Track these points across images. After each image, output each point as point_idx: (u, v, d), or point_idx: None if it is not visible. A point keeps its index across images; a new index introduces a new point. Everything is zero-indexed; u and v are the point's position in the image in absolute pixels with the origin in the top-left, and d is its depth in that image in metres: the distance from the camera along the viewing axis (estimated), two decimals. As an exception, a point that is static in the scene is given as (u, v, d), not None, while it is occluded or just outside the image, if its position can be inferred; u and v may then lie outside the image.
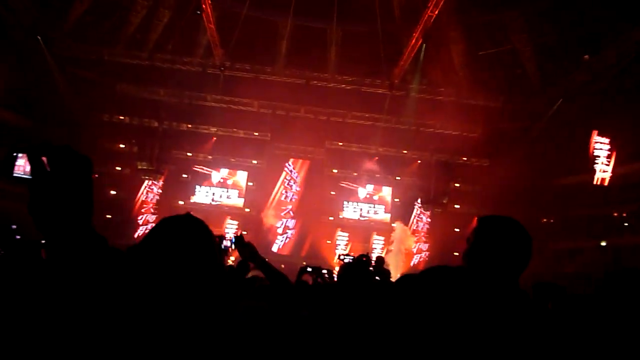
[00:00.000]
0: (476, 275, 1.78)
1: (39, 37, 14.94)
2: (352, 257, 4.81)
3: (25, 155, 0.94)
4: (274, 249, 19.61)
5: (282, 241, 19.83)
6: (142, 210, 18.76)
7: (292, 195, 20.35)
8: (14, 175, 0.97)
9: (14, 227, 11.60)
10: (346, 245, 19.96)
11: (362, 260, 3.30)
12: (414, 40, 15.18)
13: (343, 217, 20.30)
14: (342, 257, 4.76)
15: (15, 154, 0.97)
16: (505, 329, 1.59)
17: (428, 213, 20.02)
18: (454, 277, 1.83)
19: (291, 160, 20.35)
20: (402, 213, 20.05)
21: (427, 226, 20.12)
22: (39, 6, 14.60)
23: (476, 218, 2.06)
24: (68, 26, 15.44)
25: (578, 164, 16.14)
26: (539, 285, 3.70)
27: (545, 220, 18.06)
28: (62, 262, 0.90)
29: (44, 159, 0.92)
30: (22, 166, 0.96)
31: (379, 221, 20.33)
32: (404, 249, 19.26)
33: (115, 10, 15.85)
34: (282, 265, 18.65)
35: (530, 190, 16.45)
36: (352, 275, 2.88)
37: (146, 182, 18.82)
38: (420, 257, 19.70)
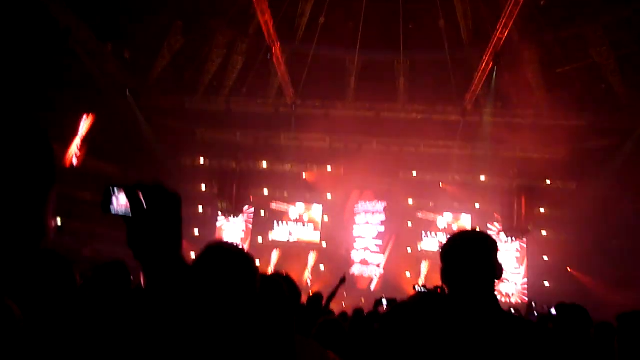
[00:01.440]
0: (450, 299, 1.73)
1: (128, 91, 16.27)
2: (424, 288, 4.70)
3: (121, 192, 1.01)
4: (372, 287, 19.46)
5: (370, 276, 19.69)
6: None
7: (372, 230, 20.20)
8: (111, 211, 1.03)
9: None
10: (426, 277, 19.39)
11: (435, 292, 3.21)
12: (484, 64, 14.86)
13: (421, 250, 19.81)
14: (416, 287, 4.64)
15: (112, 191, 1.03)
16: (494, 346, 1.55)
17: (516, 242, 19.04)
18: (429, 306, 1.82)
19: (381, 203, 20.27)
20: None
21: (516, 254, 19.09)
22: (127, 62, 15.96)
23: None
24: (152, 79, 16.69)
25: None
26: (626, 315, 3.32)
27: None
28: (159, 289, 0.99)
29: (140, 195, 1.00)
30: (120, 203, 1.02)
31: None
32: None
33: (193, 61, 16.97)
34: (362, 299, 18.47)
35: (623, 214, 15.22)
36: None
37: (223, 220, 19.57)
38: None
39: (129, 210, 0.99)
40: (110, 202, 1.02)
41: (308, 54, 16.82)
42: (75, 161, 14.64)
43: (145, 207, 0.99)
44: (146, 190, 1.00)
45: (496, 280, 1.76)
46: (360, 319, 4.36)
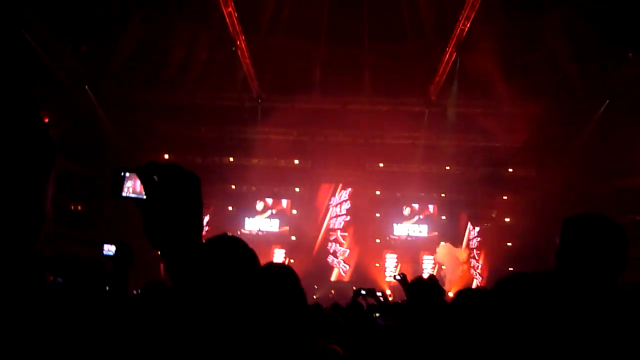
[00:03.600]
0: (571, 279, 1.70)
1: (86, 86, 15.78)
2: (402, 276, 4.75)
3: (132, 175, 0.95)
4: (333, 277, 19.59)
5: (338, 267, 19.80)
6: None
7: (339, 221, 20.31)
8: (122, 195, 0.96)
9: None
10: (395, 266, 19.65)
11: (433, 280, 3.27)
12: (447, 55, 15.08)
13: (390, 239, 20.06)
14: (396, 276, 4.68)
15: (123, 174, 0.96)
16: (612, 334, 1.50)
17: (477, 228, 19.52)
18: (549, 284, 1.73)
19: (339, 186, 20.38)
20: (450, 230, 19.64)
21: (477, 241, 19.58)
22: (84, 55, 15.47)
23: (563, 219, 1.93)
24: (112, 72, 16.23)
25: (631, 165, 15.39)
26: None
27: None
28: (182, 278, 0.90)
29: (155, 178, 0.92)
30: (130, 186, 0.96)
31: (427, 240, 19.96)
32: (460, 266, 18.79)
33: (155, 54, 16.56)
34: (332, 292, 18.56)
35: (582, 197, 15.77)
36: (425, 295, 2.87)
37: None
38: (475, 273, 19.14)
39: (142, 194, 0.92)
40: (120, 186, 0.96)
41: (273, 46, 16.67)
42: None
43: (161, 187, 0.91)
44: (161, 170, 0.92)
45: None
46: (358, 312, 4.37)
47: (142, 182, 0.92)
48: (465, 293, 2.54)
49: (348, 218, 20.22)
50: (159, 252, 0.90)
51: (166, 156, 19.05)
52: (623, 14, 13.10)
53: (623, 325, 1.51)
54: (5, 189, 0.69)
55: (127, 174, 0.96)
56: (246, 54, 15.59)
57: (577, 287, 1.68)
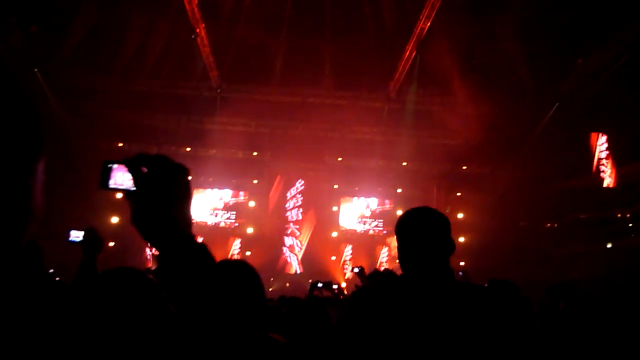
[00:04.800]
0: (412, 276, 1.80)
1: (36, 70, 15.07)
2: (359, 268, 4.83)
3: (120, 166, 0.95)
4: (292, 270, 19.57)
5: (294, 260, 19.79)
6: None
7: (296, 214, 20.32)
8: (110, 186, 0.96)
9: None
10: (351, 259, 19.87)
11: (389, 273, 3.34)
12: (407, 53, 15.30)
13: (347, 232, 20.25)
14: (355, 269, 4.75)
15: (109, 165, 0.97)
16: (454, 317, 1.61)
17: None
18: (387, 285, 1.86)
19: (299, 181, 20.36)
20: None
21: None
22: (34, 39, 14.74)
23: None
24: (63, 57, 15.56)
25: (579, 167, 16.14)
26: (552, 287, 3.71)
27: (549, 225, 17.98)
28: (173, 271, 0.89)
29: (144, 169, 0.92)
30: (117, 178, 0.96)
31: (383, 234, 20.27)
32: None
33: (109, 39, 15.99)
34: (287, 284, 18.60)
35: (531, 196, 16.44)
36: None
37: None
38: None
39: (131, 184, 0.92)
40: (108, 177, 0.96)
41: (234, 35, 16.41)
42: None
43: (150, 178, 0.91)
44: (150, 161, 0.92)
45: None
46: (315, 305, 4.39)
47: (131, 174, 0.92)
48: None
49: (302, 210, 20.27)
50: (148, 243, 0.90)
51: (120, 144, 18.50)
52: (574, 21, 13.65)
53: (464, 314, 1.63)
54: None
55: (115, 166, 0.96)
56: (206, 42, 15.30)
57: (413, 281, 1.78)
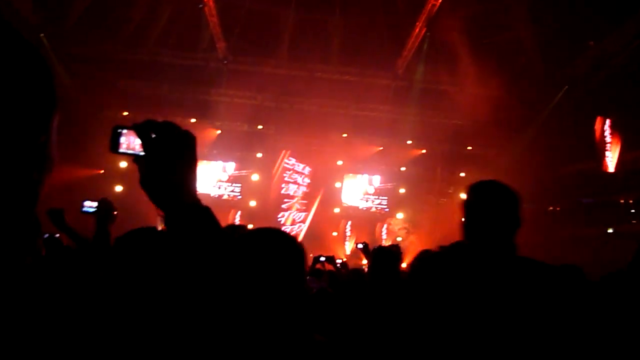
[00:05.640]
0: (473, 248, 1.82)
1: (42, 35, 14.97)
2: (364, 244, 4.90)
3: (130, 132, 0.98)
4: None
5: (296, 234, 19.94)
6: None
7: (299, 188, 20.40)
8: (120, 150, 0.99)
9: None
10: (350, 236, 20.02)
11: (393, 251, 3.39)
12: (417, 30, 15.10)
13: (349, 208, 20.34)
14: (358, 245, 4.82)
15: (119, 130, 0.99)
16: (517, 294, 1.62)
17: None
18: (456, 255, 1.86)
19: (296, 160, 20.36)
20: (408, 203, 20.06)
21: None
22: (41, 3, 14.61)
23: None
24: (70, 24, 15.44)
25: (583, 151, 16.06)
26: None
27: (551, 208, 18.01)
28: (181, 234, 0.94)
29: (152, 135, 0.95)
30: (126, 143, 0.99)
31: (385, 212, 20.36)
32: (411, 236, 19.32)
33: (116, 6, 15.83)
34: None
35: (536, 179, 16.40)
36: (385, 265, 2.97)
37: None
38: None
39: (140, 150, 0.95)
40: (118, 142, 0.98)
41: (242, 6, 16.21)
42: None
43: (158, 144, 0.94)
44: (158, 127, 0.96)
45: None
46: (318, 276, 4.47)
47: (140, 139, 0.95)
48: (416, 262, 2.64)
49: (308, 182, 20.33)
50: (156, 206, 0.93)
51: (125, 113, 18.46)
52: (586, 3, 13.41)
53: (528, 290, 1.65)
54: (4, 135, 0.60)
55: (125, 131, 0.99)
56: (214, 12, 15.12)
57: (479, 253, 1.80)
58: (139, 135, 0.95)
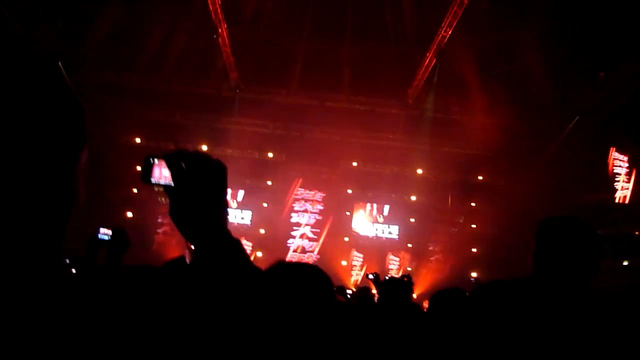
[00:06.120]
0: (547, 284, 1.72)
1: (60, 63, 15.31)
2: (375, 275, 4.82)
3: (161, 161, 0.96)
4: None
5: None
6: (158, 231, 18.84)
7: (310, 216, 20.34)
8: (152, 181, 0.98)
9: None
10: (361, 266, 19.82)
11: (404, 281, 3.33)
12: (427, 60, 15.25)
13: (359, 236, 20.20)
14: (369, 275, 4.76)
15: (152, 161, 0.98)
16: (592, 336, 1.53)
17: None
18: (526, 289, 1.76)
19: (305, 190, 20.38)
20: (418, 232, 19.90)
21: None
22: (60, 31, 15.00)
23: (537, 223, 1.91)
24: (86, 53, 15.82)
25: (597, 182, 15.89)
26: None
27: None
28: (209, 266, 0.91)
29: (183, 165, 0.93)
30: (159, 173, 0.98)
31: (395, 241, 20.18)
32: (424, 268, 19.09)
33: (132, 36, 16.22)
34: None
35: (548, 210, 16.20)
36: (396, 295, 2.90)
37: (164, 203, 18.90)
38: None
39: (171, 181, 0.94)
40: (150, 173, 0.98)
41: (255, 37, 16.54)
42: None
43: (188, 175, 0.93)
44: (188, 158, 0.94)
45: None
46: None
47: (169, 169, 0.94)
48: (443, 295, 2.58)
49: (320, 209, 20.26)
50: (185, 238, 0.91)
51: (138, 140, 18.70)
52: (596, 33, 13.48)
53: (602, 328, 1.57)
54: (33, 169, 0.60)
55: (157, 161, 0.98)
56: (227, 42, 15.43)
57: (555, 291, 1.71)
58: (169, 166, 0.94)
